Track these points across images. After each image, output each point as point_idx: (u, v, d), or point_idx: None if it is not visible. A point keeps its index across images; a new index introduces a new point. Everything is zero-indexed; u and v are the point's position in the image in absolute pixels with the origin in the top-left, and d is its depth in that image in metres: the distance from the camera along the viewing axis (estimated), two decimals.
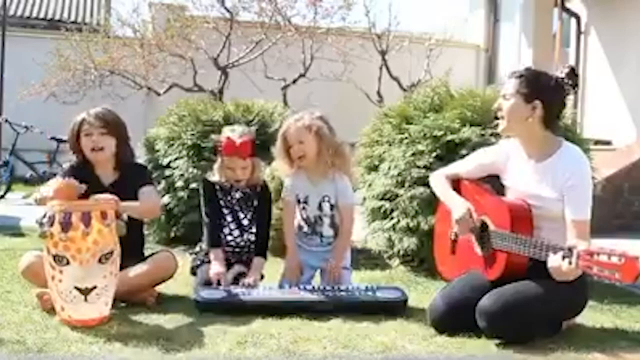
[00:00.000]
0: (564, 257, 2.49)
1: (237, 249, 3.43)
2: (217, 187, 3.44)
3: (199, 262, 3.44)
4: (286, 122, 3.45)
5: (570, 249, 2.47)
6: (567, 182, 2.73)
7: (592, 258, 2.39)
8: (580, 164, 2.79)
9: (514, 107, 2.82)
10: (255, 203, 3.47)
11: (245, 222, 3.44)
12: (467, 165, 3.13)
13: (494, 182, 3.02)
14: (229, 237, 3.42)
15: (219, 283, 3.22)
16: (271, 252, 3.57)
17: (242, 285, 3.21)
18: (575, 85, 2.84)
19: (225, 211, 3.43)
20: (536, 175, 2.83)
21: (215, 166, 3.46)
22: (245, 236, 3.43)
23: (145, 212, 3.24)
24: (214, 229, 3.40)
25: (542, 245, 2.59)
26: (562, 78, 2.82)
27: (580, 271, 2.47)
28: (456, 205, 2.95)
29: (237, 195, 3.44)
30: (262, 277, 3.40)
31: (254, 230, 3.45)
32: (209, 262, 3.37)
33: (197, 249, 3.54)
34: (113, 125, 3.24)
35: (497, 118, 2.94)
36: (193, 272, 3.47)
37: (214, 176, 3.44)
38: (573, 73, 2.83)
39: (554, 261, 2.52)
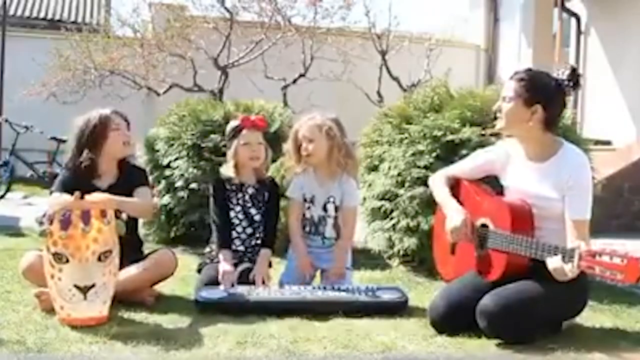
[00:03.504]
0: (564, 259, 2.49)
1: (249, 248, 3.42)
2: (230, 185, 3.43)
3: (207, 261, 3.43)
4: (299, 120, 3.46)
5: (572, 250, 2.47)
6: (568, 183, 2.73)
7: (594, 259, 2.39)
8: (581, 165, 2.78)
9: (514, 110, 2.81)
10: (266, 198, 3.47)
11: (257, 217, 3.44)
12: (467, 166, 3.12)
13: (493, 183, 3.02)
14: (243, 235, 3.41)
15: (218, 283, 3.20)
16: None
17: (254, 278, 3.21)
18: (576, 85, 2.82)
19: (237, 209, 3.42)
20: (537, 176, 2.82)
21: (229, 156, 3.44)
22: (257, 234, 3.43)
23: (139, 210, 3.23)
24: (224, 229, 3.39)
25: (542, 246, 2.59)
26: (564, 79, 2.81)
27: (578, 270, 2.47)
28: (453, 213, 2.91)
29: (250, 191, 3.44)
30: (269, 264, 3.41)
31: (265, 227, 3.45)
32: (215, 262, 3.36)
33: (208, 249, 3.54)
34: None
35: (496, 118, 2.94)
36: (199, 270, 3.46)
37: (228, 168, 3.42)
38: (575, 73, 2.82)
39: (554, 262, 2.52)
